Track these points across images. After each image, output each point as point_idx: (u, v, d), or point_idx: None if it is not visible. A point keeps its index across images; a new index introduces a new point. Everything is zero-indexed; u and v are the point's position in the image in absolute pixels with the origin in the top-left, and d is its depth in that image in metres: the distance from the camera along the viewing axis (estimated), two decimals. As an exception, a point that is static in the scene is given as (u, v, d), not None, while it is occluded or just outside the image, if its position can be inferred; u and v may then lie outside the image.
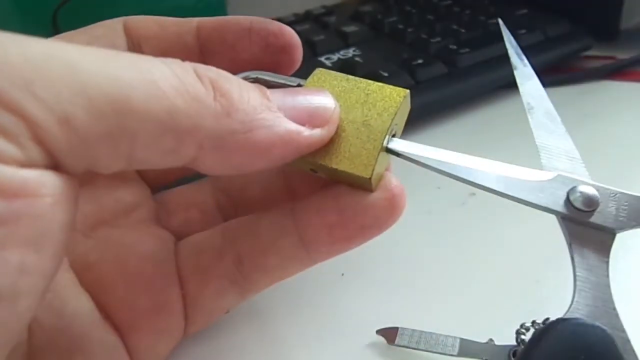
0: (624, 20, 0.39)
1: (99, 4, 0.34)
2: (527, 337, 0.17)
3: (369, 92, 0.17)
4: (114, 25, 0.19)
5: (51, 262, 0.12)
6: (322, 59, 0.35)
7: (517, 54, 0.21)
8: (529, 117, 0.19)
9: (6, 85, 0.10)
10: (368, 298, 0.22)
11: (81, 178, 0.12)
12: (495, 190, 0.17)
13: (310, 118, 0.15)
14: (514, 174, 0.17)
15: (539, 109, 0.19)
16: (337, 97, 0.17)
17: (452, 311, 0.21)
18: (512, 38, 0.22)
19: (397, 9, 0.43)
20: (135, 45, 0.19)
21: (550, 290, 0.21)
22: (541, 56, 0.36)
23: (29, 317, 0.12)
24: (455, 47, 0.35)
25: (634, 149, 0.30)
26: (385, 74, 0.32)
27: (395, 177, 0.17)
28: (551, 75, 0.37)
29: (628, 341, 0.14)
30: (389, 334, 0.19)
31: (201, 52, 0.19)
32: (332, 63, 0.35)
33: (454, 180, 0.17)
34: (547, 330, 0.15)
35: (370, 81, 0.18)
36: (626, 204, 0.16)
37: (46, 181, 0.11)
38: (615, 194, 0.16)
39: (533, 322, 0.17)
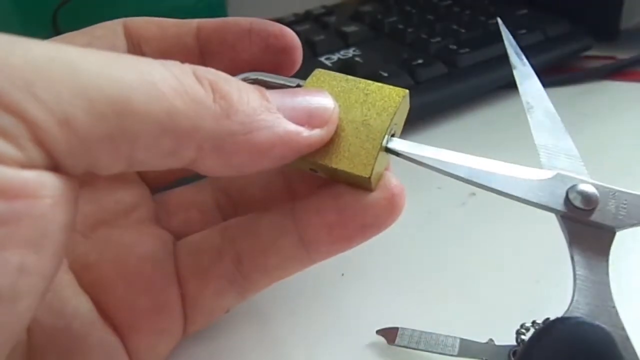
0: (624, 20, 0.39)
1: (99, 4, 0.34)
2: (527, 337, 0.17)
3: (368, 92, 0.17)
4: (114, 27, 0.19)
5: (51, 262, 0.12)
6: (322, 59, 0.35)
7: (517, 54, 0.21)
8: (528, 116, 0.19)
9: (7, 86, 0.11)
10: (368, 298, 0.22)
11: (81, 179, 0.13)
12: (494, 189, 0.17)
13: (310, 118, 0.16)
14: (514, 173, 0.17)
15: (538, 108, 0.19)
16: (336, 97, 0.17)
17: (452, 311, 0.21)
18: (511, 37, 0.22)
19: (397, 9, 0.43)
20: (135, 46, 0.19)
21: (550, 290, 0.21)
22: (541, 56, 0.36)
23: (28, 318, 0.12)
24: (455, 47, 0.35)
25: (633, 149, 0.29)
26: (385, 74, 0.32)
27: (395, 176, 0.17)
28: (551, 75, 0.37)
29: (628, 339, 0.14)
30: (389, 334, 0.19)
31: (201, 53, 0.19)
32: (332, 63, 0.35)
33: (454, 180, 0.17)
34: (547, 330, 0.15)
35: (369, 81, 0.18)
36: (625, 202, 0.16)
37: (46, 182, 0.11)
38: (615, 193, 0.16)
39: (533, 322, 0.17)
